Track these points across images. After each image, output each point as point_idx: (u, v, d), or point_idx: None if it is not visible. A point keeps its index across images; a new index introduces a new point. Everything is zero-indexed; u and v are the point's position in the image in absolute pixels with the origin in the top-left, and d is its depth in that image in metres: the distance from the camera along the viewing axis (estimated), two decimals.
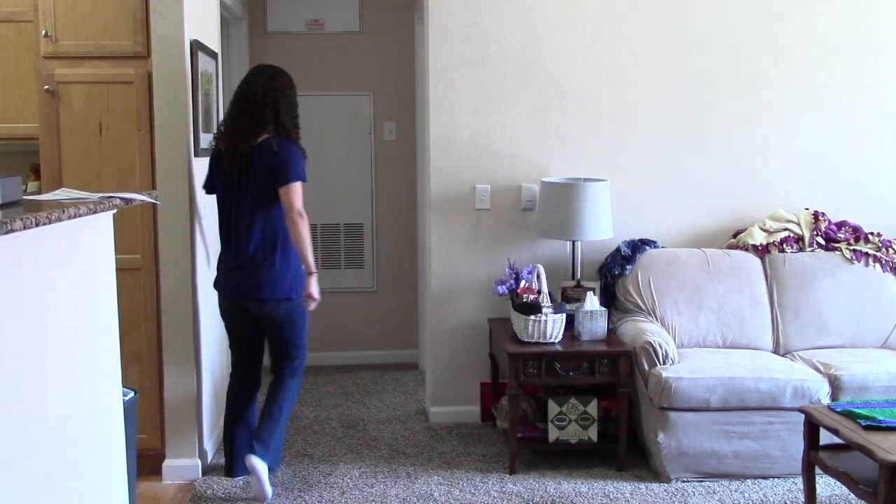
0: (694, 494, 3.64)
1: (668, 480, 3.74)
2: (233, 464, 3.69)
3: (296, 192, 3.43)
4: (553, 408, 3.89)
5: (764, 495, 3.63)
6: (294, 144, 3.52)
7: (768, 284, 4.25)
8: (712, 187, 4.51)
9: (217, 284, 3.66)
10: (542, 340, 3.87)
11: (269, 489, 3.52)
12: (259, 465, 3.47)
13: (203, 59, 3.88)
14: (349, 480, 3.78)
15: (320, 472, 3.87)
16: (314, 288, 3.51)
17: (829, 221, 4.40)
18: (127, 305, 3.55)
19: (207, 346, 3.99)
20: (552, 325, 3.86)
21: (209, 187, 3.68)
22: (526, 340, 3.89)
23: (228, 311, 3.65)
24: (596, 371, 3.82)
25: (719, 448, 3.70)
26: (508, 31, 4.38)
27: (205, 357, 3.93)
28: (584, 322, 3.95)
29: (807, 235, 4.35)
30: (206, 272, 3.97)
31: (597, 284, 4.25)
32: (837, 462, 3.14)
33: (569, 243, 4.28)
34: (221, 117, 4.39)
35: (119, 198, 2.44)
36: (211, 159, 3.64)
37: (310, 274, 3.49)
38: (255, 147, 3.46)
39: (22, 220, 1.82)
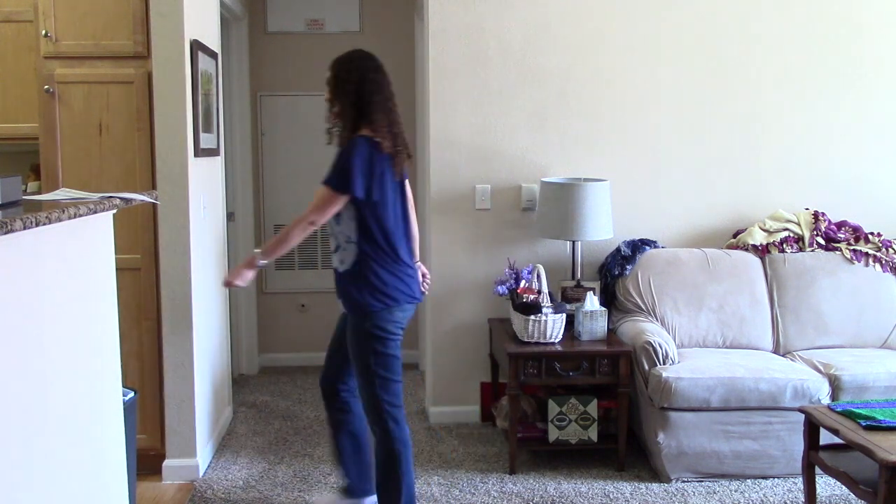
0: (694, 494, 3.63)
1: (668, 480, 3.74)
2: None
3: None
4: (553, 408, 3.89)
5: (764, 495, 3.63)
6: None
7: (768, 284, 4.25)
8: (712, 187, 4.52)
9: (410, 292, 3.17)
10: (542, 340, 3.87)
11: None
12: None
13: (203, 59, 3.88)
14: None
15: (320, 472, 3.87)
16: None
17: (829, 221, 4.40)
18: (127, 305, 3.55)
19: (207, 345, 4.00)
20: (552, 325, 3.86)
21: (369, 193, 3.05)
22: (526, 340, 3.89)
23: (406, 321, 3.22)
24: (596, 371, 3.82)
25: (719, 448, 3.70)
26: (508, 31, 4.38)
27: (205, 356, 3.93)
28: (584, 322, 3.95)
29: (807, 235, 4.35)
30: (206, 272, 3.98)
31: (597, 284, 4.25)
32: (837, 462, 3.14)
33: (569, 243, 4.28)
34: (221, 117, 4.39)
35: (119, 198, 2.44)
36: (376, 163, 3.05)
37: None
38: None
39: (22, 220, 1.82)
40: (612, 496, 3.62)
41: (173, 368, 3.72)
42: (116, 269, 2.61)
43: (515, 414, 3.85)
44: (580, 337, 3.96)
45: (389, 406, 3.11)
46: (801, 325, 4.17)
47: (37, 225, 1.89)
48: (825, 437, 3.25)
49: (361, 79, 3.08)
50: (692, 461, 3.72)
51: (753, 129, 4.52)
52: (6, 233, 1.76)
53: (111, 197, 2.41)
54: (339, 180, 3.01)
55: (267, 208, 5.58)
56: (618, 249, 4.33)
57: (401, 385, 3.15)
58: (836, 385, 3.72)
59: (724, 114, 4.50)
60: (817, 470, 3.33)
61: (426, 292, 3.42)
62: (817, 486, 3.46)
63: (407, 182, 3.24)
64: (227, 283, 3.21)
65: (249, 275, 3.18)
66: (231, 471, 3.88)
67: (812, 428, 3.29)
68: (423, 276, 3.38)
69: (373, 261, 3.08)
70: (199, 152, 3.82)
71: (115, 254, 2.60)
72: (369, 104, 3.07)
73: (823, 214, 4.41)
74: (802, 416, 3.35)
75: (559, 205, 4.11)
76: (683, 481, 3.75)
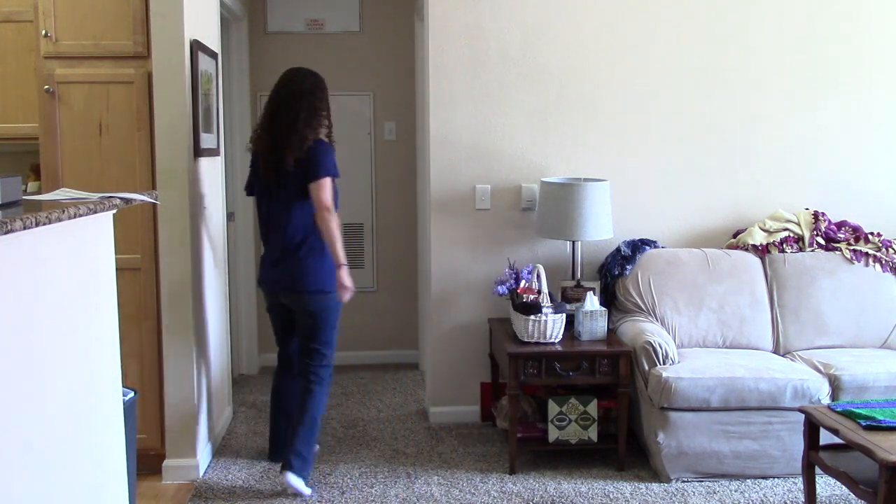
0: (694, 494, 3.64)
1: (668, 480, 3.74)
2: (276, 450, 3.92)
3: (324, 188, 3.57)
4: (553, 408, 3.89)
5: (764, 495, 3.63)
6: (324, 141, 3.67)
7: (768, 284, 4.25)
8: (712, 187, 4.52)
9: (259, 279, 3.92)
10: (542, 340, 3.87)
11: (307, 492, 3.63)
12: (296, 481, 3.57)
13: (203, 59, 3.88)
14: (349, 480, 3.78)
15: (320, 472, 3.87)
16: (347, 279, 3.63)
17: (829, 221, 4.40)
18: (127, 305, 3.55)
19: (207, 345, 3.99)
20: (552, 325, 3.86)
21: (250, 189, 3.89)
22: (526, 340, 3.89)
23: (269, 303, 3.87)
24: (596, 371, 3.82)
25: (719, 448, 3.70)
26: (508, 31, 4.38)
27: (205, 356, 3.93)
28: (584, 322, 3.95)
29: (807, 235, 4.35)
30: (206, 272, 3.98)
31: (597, 284, 4.25)
32: (837, 462, 3.14)
33: (569, 243, 4.28)
34: (221, 117, 4.41)
35: (119, 198, 2.44)
36: (252, 164, 3.84)
37: (340, 266, 3.62)
38: (289, 147, 3.59)
39: (22, 220, 1.82)
40: (612, 496, 3.62)
41: (173, 368, 3.72)
42: (116, 269, 2.60)
43: (515, 414, 3.85)
44: (580, 337, 3.96)
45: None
46: (801, 325, 4.17)
47: (37, 225, 1.89)
48: (825, 437, 3.25)
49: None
50: (692, 461, 3.72)
51: (753, 128, 4.52)
52: (6, 233, 1.76)
53: (111, 197, 2.41)
54: None
55: None
56: (618, 249, 4.33)
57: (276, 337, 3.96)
58: (836, 385, 3.72)
59: (724, 113, 4.50)
60: (817, 470, 3.33)
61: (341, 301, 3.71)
62: (817, 486, 3.46)
63: (315, 185, 3.55)
64: None
65: None
66: (231, 471, 3.88)
67: (812, 428, 3.29)
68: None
69: None
70: (199, 152, 3.82)
71: (115, 254, 2.59)
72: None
73: (823, 214, 4.41)
74: (802, 416, 3.35)
75: (559, 205, 4.11)
76: (683, 481, 3.75)
